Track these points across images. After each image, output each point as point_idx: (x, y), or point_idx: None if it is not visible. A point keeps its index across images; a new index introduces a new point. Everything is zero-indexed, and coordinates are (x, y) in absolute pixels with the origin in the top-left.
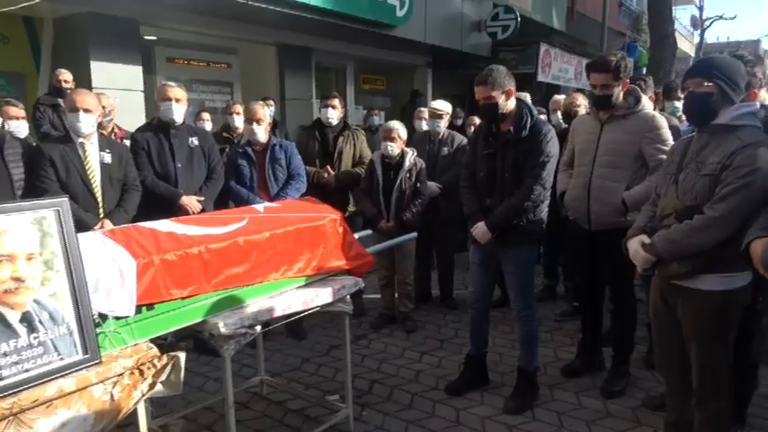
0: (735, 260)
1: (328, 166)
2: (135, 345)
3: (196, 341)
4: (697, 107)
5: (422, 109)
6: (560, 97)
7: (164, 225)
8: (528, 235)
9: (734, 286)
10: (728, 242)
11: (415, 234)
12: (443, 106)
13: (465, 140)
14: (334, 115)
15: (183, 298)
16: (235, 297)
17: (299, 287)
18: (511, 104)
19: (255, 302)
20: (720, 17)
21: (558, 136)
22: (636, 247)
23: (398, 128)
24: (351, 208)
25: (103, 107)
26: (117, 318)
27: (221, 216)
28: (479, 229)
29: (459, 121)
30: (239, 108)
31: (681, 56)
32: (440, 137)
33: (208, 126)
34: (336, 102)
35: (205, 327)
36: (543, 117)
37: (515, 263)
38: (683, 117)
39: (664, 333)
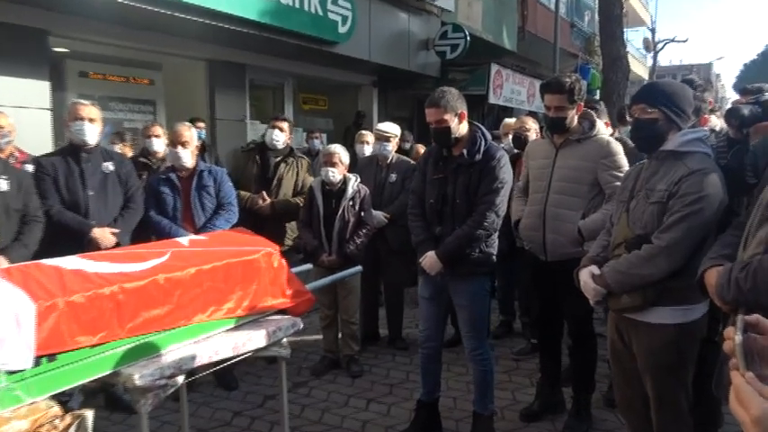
0: (688, 291)
1: (264, 192)
2: (32, 403)
3: (108, 396)
4: (642, 134)
5: (363, 132)
6: (511, 121)
7: (71, 262)
8: (480, 265)
9: (688, 319)
10: (680, 272)
11: (359, 268)
12: (391, 128)
13: (414, 166)
14: (280, 138)
15: (92, 346)
16: (153, 343)
17: (229, 330)
18: (463, 128)
19: (178, 349)
20: (672, 40)
21: (509, 161)
22: (586, 278)
23: (340, 152)
24: (288, 242)
25: (1, 127)
26: (10, 372)
27: (139, 251)
28: (429, 260)
29: (408, 145)
30: (158, 130)
31: (635, 79)
32: (387, 162)
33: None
34: (285, 125)
35: (118, 379)
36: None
37: (467, 296)
38: None
39: (621, 370)
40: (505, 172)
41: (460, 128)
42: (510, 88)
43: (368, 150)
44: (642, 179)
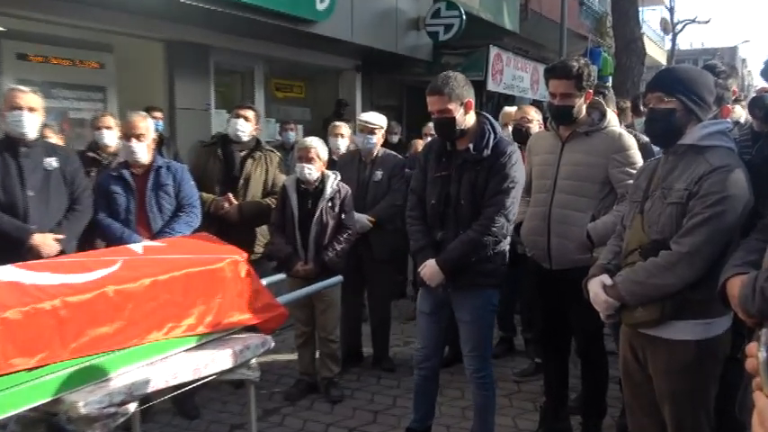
0: (710, 303)
1: (230, 194)
2: None
3: (49, 427)
4: (658, 126)
5: (337, 123)
6: (511, 109)
7: (6, 272)
8: (487, 276)
9: (710, 334)
10: (701, 282)
11: (339, 278)
12: (376, 119)
13: (403, 162)
14: (245, 129)
15: (29, 369)
16: (101, 366)
17: (190, 350)
18: (470, 119)
19: (129, 372)
20: (693, 21)
21: None
22: (596, 289)
23: (317, 146)
24: (258, 249)
25: None
26: None
27: (86, 259)
28: (429, 269)
29: (395, 138)
30: (109, 121)
31: (651, 64)
32: (372, 157)
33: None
34: (250, 114)
35: (60, 407)
36: None
37: (472, 311)
38: None
39: (636, 392)
40: (517, 170)
41: (466, 119)
42: (511, 74)
43: (343, 144)
44: (658, 177)
